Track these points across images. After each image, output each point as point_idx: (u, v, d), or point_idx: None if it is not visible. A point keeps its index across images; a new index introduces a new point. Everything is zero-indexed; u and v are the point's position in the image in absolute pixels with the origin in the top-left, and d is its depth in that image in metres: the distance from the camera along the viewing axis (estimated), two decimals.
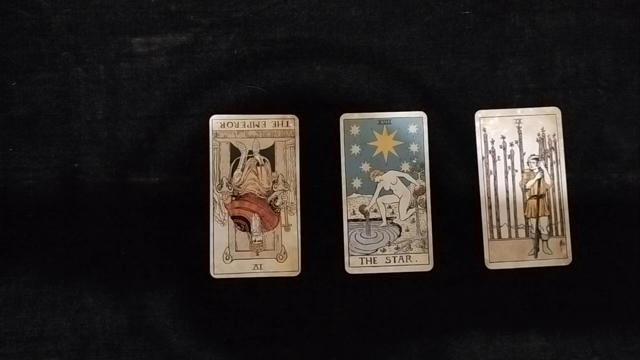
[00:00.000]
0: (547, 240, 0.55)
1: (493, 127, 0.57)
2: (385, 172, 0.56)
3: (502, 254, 0.55)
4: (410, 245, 0.55)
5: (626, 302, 0.55)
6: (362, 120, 0.56)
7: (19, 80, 0.56)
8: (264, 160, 0.56)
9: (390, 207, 0.56)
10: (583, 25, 0.58)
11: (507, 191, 0.56)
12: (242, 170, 0.55)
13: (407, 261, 0.55)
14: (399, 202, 0.56)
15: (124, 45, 0.56)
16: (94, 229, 0.55)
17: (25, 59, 0.56)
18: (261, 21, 0.57)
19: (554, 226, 0.56)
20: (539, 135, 0.57)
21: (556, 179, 0.56)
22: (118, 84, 0.56)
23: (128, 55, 0.56)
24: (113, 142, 0.56)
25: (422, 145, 0.56)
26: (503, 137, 0.56)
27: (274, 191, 0.55)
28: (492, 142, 0.56)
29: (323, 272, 0.55)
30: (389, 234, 0.55)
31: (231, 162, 0.56)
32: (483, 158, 0.56)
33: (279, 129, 0.56)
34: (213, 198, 0.55)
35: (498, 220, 0.56)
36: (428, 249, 0.55)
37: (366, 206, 0.56)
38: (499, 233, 0.56)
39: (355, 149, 0.56)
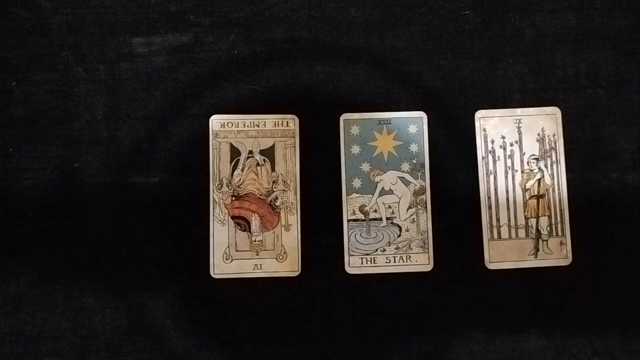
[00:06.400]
0: (547, 240, 0.55)
1: (493, 127, 0.57)
2: (385, 172, 0.56)
3: (502, 254, 0.55)
4: (410, 245, 0.55)
5: (626, 302, 0.55)
6: (362, 120, 0.56)
7: (19, 80, 0.56)
8: (264, 160, 0.56)
9: (390, 207, 0.56)
10: (583, 25, 0.58)
11: (507, 191, 0.56)
12: (242, 170, 0.55)
13: (407, 261, 0.55)
14: (399, 202, 0.56)
15: (124, 45, 0.56)
16: (94, 229, 0.55)
17: (25, 59, 0.56)
18: (261, 21, 0.57)
19: (554, 226, 0.56)
20: (539, 135, 0.57)
21: (556, 179, 0.56)
22: (118, 84, 0.56)
23: (128, 55, 0.56)
24: (113, 142, 0.56)
25: (422, 145, 0.56)
26: (503, 137, 0.56)
27: (274, 191, 0.55)
28: (492, 142, 0.56)
29: (323, 272, 0.55)
30: (389, 234, 0.55)
31: (231, 162, 0.56)
32: (483, 158, 0.56)
33: (279, 129, 0.56)
34: (213, 198, 0.55)
35: (498, 220, 0.56)
36: (428, 249, 0.55)
37: (366, 206, 0.56)
38: (499, 233, 0.55)
39: (355, 149, 0.56)
